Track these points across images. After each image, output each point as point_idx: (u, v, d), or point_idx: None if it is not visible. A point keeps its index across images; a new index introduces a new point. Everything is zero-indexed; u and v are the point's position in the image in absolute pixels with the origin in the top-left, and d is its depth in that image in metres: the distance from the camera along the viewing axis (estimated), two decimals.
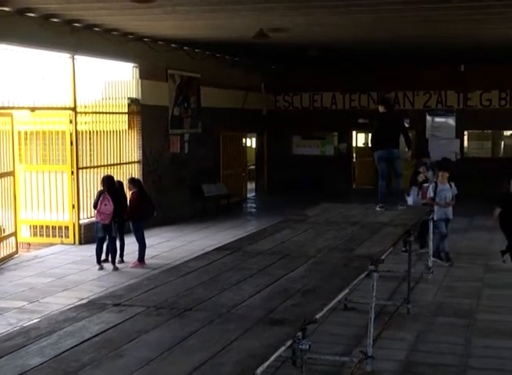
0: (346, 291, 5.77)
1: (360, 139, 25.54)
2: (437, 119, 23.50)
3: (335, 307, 8.55)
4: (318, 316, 4.77)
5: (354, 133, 24.88)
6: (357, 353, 7.02)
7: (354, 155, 25.08)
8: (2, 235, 12.92)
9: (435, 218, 11.51)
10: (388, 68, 22.55)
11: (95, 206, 11.91)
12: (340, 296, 5.60)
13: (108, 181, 12.13)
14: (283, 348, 4.16)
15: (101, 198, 11.82)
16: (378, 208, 9.89)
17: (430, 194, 12.23)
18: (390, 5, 11.75)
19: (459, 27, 14.20)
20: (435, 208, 11.75)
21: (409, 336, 8.11)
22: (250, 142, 25.81)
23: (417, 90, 23.26)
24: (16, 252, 13.37)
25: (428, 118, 23.51)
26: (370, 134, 11.04)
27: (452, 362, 7.30)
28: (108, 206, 11.75)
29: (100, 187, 12.35)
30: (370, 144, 10.69)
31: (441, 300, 9.78)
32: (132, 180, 12.65)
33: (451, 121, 23.36)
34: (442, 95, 23.21)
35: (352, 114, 23.79)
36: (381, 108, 10.34)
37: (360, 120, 23.92)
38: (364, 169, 24.64)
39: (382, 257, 6.78)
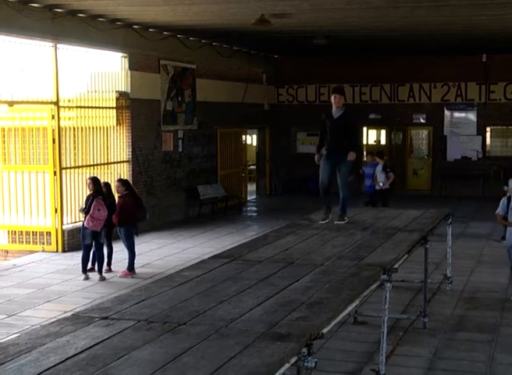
0: (356, 303, 5.78)
1: (371, 136, 25.55)
2: (456, 114, 23.53)
3: (344, 321, 8.56)
4: (325, 331, 4.77)
5: (365, 129, 24.88)
6: (368, 372, 7.02)
7: (365, 154, 25.05)
8: None
9: (507, 243, 10.49)
10: (402, 58, 22.59)
11: (88, 211, 11.90)
12: (349, 309, 5.60)
13: (96, 184, 12.15)
14: (287, 366, 4.16)
15: (94, 203, 11.84)
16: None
17: (500, 211, 10.58)
18: None
19: (481, 13, 14.21)
20: (508, 230, 10.49)
21: (426, 353, 8.10)
22: (251, 139, 25.83)
23: (434, 82, 23.29)
24: None
25: (447, 113, 23.54)
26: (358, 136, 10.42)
27: None
28: (102, 212, 11.80)
29: (85, 189, 12.37)
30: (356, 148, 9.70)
31: (461, 313, 9.77)
32: (121, 181, 12.65)
33: (472, 116, 23.39)
34: (462, 88, 23.24)
35: (362, 108, 23.78)
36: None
37: (372, 115, 23.96)
38: None
39: (396, 266, 6.79)
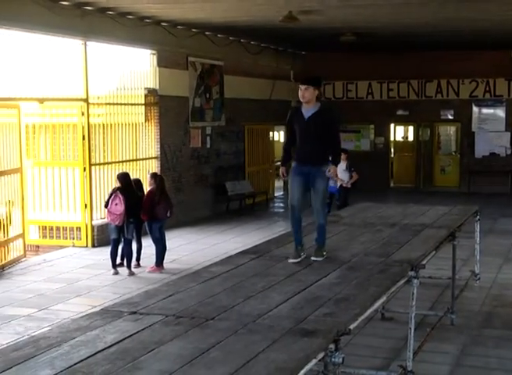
0: (384, 299, 5.76)
1: (398, 132, 25.44)
2: (485, 111, 23.34)
3: (371, 317, 8.53)
4: (352, 327, 4.76)
5: (392, 125, 24.79)
6: (395, 367, 6.99)
7: (392, 150, 25.00)
8: (8, 237, 13.05)
9: None
10: (430, 54, 22.44)
11: (106, 205, 12.02)
12: (377, 305, 5.59)
13: (123, 178, 12.19)
14: (314, 362, 4.16)
15: (112, 197, 11.91)
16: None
17: None
18: None
19: (509, 9, 14.07)
20: None
21: (453, 349, 8.06)
22: (278, 136, 25.81)
23: (462, 78, 23.12)
24: (24, 255, 13.52)
25: (475, 109, 23.36)
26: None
27: None
28: (119, 206, 11.80)
29: (115, 185, 12.42)
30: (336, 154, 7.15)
31: (489, 310, 9.71)
32: (153, 175, 12.63)
33: (500, 112, 23.19)
34: (491, 84, 23.05)
35: (390, 105, 23.71)
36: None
37: (400, 112, 23.84)
38: (403, 165, 24.56)
39: (423, 262, 6.76)
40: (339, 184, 15.77)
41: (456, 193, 22.37)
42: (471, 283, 10.56)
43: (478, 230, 10.37)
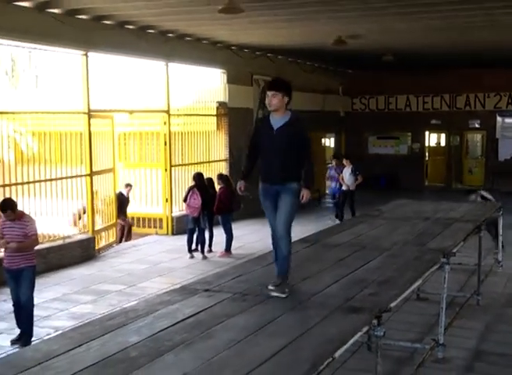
0: (419, 282, 5.68)
1: (432, 139, 25.07)
2: (507, 120, 22.83)
3: (408, 297, 8.40)
4: (392, 305, 4.72)
5: (427, 133, 24.43)
6: (428, 340, 6.90)
7: (427, 154, 24.63)
8: (104, 225, 13.28)
9: None
10: (460, 71, 22.01)
11: (185, 200, 12.14)
12: (413, 287, 5.52)
13: (197, 178, 12.32)
14: (359, 334, 4.13)
15: (190, 193, 12.03)
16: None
17: None
18: (459, 11, 11.45)
19: None
20: None
21: (479, 326, 7.91)
22: (329, 142, 25.69)
23: (487, 92, 22.64)
24: (116, 241, 13.72)
25: (499, 119, 22.85)
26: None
27: None
28: (197, 200, 11.95)
29: (190, 183, 12.56)
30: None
31: (510, 292, 9.49)
32: (220, 176, 12.78)
33: None
34: None
35: (425, 115, 23.38)
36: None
37: (433, 121, 23.50)
38: (435, 167, 24.20)
39: (454, 250, 6.65)
40: (344, 188, 15.43)
41: None
42: (495, 270, 10.34)
43: (501, 223, 10.14)
